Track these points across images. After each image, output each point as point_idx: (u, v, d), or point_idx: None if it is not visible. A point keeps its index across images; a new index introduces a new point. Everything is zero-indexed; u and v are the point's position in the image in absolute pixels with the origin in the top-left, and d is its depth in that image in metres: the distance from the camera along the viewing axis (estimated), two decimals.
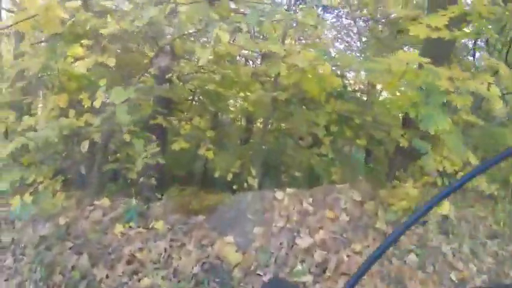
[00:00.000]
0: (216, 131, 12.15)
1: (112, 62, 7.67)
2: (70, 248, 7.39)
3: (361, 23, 14.85)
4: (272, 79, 9.79)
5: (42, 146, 8.80)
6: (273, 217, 7.39)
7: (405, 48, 13.27)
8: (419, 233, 7.61)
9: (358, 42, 15.62)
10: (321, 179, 9.48)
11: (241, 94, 11.77)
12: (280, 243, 6.99)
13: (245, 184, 8.70)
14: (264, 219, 7.42)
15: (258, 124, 14.12)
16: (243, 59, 13.77)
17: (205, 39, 12.57)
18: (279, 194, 7.74)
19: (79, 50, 8.02)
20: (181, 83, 12.03)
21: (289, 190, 7.92)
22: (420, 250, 7.25)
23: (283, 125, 12.05)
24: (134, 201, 8.37)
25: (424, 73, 6.55)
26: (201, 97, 12.88)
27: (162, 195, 10.93)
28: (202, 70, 12.10)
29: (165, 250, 6.99)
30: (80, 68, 7.46)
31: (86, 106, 8.38)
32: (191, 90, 12.87)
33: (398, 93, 8.31)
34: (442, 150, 8.02)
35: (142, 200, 8.84)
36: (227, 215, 7.67)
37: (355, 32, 15.24)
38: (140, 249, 7.02)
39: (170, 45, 10.95)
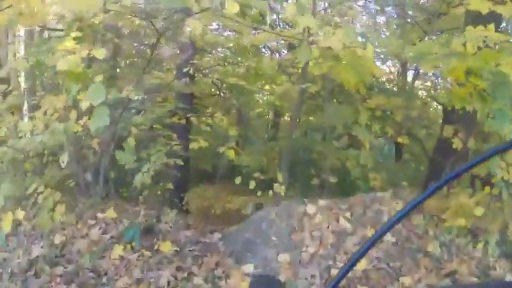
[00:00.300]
0: (240, 127, 10.40)
1: (100, 54, 5.67)
2: (61, 276, 5.52)
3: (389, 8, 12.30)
4: (300, 71, 7.75)
5: (38, 152, 6.99)
6: (303, 239, 5.39)
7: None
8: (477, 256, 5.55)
9: (384, 28, 13.10)
10: (357, 185, 7.39)
11: (267, 87, 9.71)
12: (312, 276, 4.99)
13: (270, 191, 6.64)
14: (291, 242, 5.43)
15: (287, 118, 12.11)
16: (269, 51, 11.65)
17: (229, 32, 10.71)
18: (310, 208, 5.74)
19: (69, 44, 6.07)
20: (202, 77, 10.08)
21: (322, 202, 5.88)
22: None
23: (313, 121, 9.99)
24: (141, 213, 6.48)
25: (501, 55, 4.39)
26: (224, 92, 10.90)
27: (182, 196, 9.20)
28: (224, 63, 10.25)
29: (168, 283, 5.04)
30: (62, 65, 5.52)
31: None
32: (215, 85, 10.98)
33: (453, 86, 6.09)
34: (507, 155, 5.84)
35: (154, 207, 7.00)
36: (247, 235, 5.70)
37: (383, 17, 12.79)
38: (138, 281, 5.11)
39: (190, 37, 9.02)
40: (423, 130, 8.57)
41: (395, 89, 11.64)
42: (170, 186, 7.68)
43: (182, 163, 8.50)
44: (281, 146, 8.69)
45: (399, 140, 7.33)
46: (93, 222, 6.47)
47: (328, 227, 5.55)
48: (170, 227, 6.27)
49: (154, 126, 9.32)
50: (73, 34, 6.18)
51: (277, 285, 1.48)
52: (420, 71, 13.09)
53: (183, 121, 9.01)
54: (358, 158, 6.90)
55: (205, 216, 8.31)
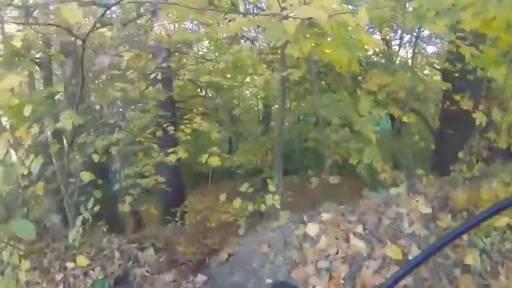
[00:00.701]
0: (230, 124, 8.65)
1: (14, 80, 3.89)
2: None
3: None
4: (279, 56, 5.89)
5: None
6: (307, 276, 3.63)
7: None
8: None
9: None
10: (363, 179, 5.54)
11: (248, 80, 7.84)
12: None
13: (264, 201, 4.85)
14: (288, 276, 3.62)
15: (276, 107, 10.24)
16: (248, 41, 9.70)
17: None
18: (311, 228, 3.95)
19: None
20: (179, 79, 8.24)
21: (325, 216, 4.06)
22: None
23: (304, 107, 8.14)
24: (116, 255, 4.71)
25: None
26: (206, 91, 9.08)
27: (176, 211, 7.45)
28: (202, 61, 8.41)
29: None
30: None
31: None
32: (196, 85, 9.15)
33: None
34: None
35: (137, 239, 5.28)
36: (235, 278, 3.93)
37: None
38: None
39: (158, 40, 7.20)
40: (423, 103, 6.69)
41: (382, 61, 9.64)
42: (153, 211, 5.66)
43: (167, 180, 6.82)
44: (273, 141, 6.85)
45: (405, 118, 5.45)
46: (60, 276, 4.75)
47: (337, 252, 3.74)
48: (147, 271, 4.49)
49: (137, 140, 7.62)
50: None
51: None
52: (404, 37, 11.14)
53: (167, 130, 7.23)
54: (362, 151, 5.02)
55: (199, 232, 6.58)
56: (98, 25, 5.51)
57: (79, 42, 6.90)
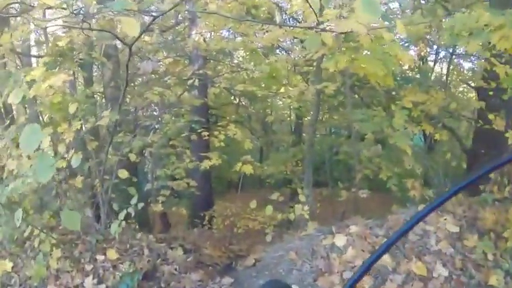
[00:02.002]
0: (262, 134, 8.77)
1: (59, 80, 4.12)
2: None
3: None
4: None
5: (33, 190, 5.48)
6: (332, 285, 3.70)
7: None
8: None
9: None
10: (392, 195, 5.57)
11: (282, 90, 7.96)
12: None
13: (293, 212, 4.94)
14: (313, 284, 3.70)
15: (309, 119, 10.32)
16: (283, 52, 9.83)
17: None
18: (339, 239, 4.01)
19: (38, 72, 4.52)
20: (214, 87, 8.43)
21: (353, 229, 4.11)
22: None
23: (336, 119, 8.20)
24: (145, 253, 4.87)
25: None
26: (240, 99, 9.24)
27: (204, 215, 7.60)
28: (238, 69, 8.59)
29: None
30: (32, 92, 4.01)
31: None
32: (230, 93, 9.32)
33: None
34: None
35: (166, 239, 5.45)
36: (262, 282, 3.94)
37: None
38: None
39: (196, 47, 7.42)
40: (456, 120, 6.67)
41: (417, 76, 9.60)
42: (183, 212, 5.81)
43: (197, 184, 7.00)
44: (304, 153, 6.93)
45: (437, 136, 5.45)
46: (90, 267, 4.91)
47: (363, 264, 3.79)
48: (176, 269, 4.62)
49: (170, 143, 7.84)
50: (42, 60, 4.59)
51: None
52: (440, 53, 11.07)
53: (201, 135, 7.41)
54: (393, 166, 5.05)
55: (226, 237, 6.71)
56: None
57: (119, 46, 7.23)
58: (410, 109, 4.80)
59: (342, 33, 3.55)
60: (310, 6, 4.42)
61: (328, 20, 3.96)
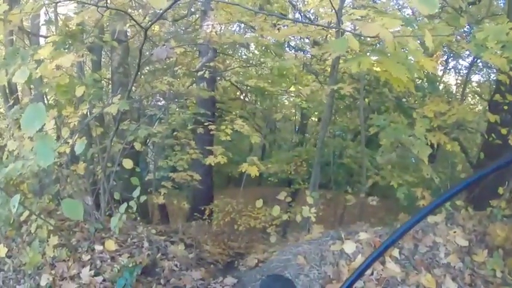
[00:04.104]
0: (266, 131, 8.60)
1: (67, 61, 3.92)
2: None
3: None
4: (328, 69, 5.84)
5: (33, 173, 5.31)
6: (338, 286, 3.49)
7: None
8: None
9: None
10: (399, 203, 5.41)
11: (292, 88, 7.80)
12: None
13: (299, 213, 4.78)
14: None
15: (314, 119, 10.16)
16: (293, 50, 9.66)
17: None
18: (348, 246, 3.85)
19: (45, 52, 4.31)
20: (223, 80, 8.25)
21: (363, 236, 3.97)
22: None
23: (341, 122, 8.04)
24: (145, 245, 4.72)
25: None
26: (248, 95, 9.08)
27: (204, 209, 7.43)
28: (247, 64, 8.40)
29: None
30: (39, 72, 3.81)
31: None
32: (238, 88, 9.14)
33: None
34: None
35: (165, 231, 5.30)
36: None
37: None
38: None
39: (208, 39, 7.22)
40: (463, 132, 6.54)
41: (425, 84, 9.41)
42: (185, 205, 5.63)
43: (200, 177, 6.83)
44: (308, 153, 6.76)
45: (449, 147, 5.29)
46: (87, 257, 4.72)
47: (372, 273, 3.65)
48: (176, 266, 4.46)
49: (175, 134, 7.66)
50: (51, 39, 4.41)
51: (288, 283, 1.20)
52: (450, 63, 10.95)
53: (206, 129, 7.23)
54: (404, 174, 4.89)
55: (225, 234, 6.55)
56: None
57: (129, 33, 7.06)
58: (431, 118, 4.65)
59: (369, 37, 3.38)
60: (332, 6, 4.25)
61: (352, 21, 3.80)
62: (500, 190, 5.44)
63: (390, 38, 2.94)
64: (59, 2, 3.85)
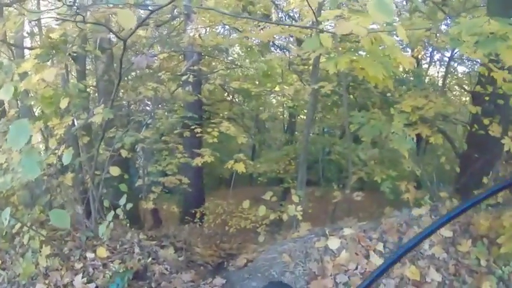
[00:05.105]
0: (255, 131, 8.70)
1: (49, 74, 4.00)
2: None
3: None
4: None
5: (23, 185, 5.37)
6: (323, 282, 3.60)
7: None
8: None
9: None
10: (385, 197, 5.52)
11: (277, 88, 7.90)
12: None
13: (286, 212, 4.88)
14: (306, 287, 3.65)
15: (302, 117, 10.24)
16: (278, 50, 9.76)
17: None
18: (333, 242, 3.98)
19: (29, 65, 4.39)
20: (208, 83, 8.34)
21: (347, 232, 4.07)
22: None
23: (329, 119, 8.15)
24: (136, 250, 4.81)
25: None
26: (234, 96, 9.17)
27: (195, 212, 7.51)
28: (232, 66, 8.50)
29: None
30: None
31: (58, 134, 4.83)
32: (224, 90, 9.24)
33: None
34: None
35: (157, 235, 5.39)
36: (254, 284, 3.90)
37: None
38: None
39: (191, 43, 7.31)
40: (450, 124, 6.66)
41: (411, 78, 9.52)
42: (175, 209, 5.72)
43: (190, 181, 6.92)
44: (297, 151, 6.86)
45: (432, 139, 5.41)
46: (80, 265, 4.81)
47: (356, 267, 3.76)
48: (167, 269, 4.54)
49: (162, 139, 7.74)
50: (34, 52, 4.48)
51: None
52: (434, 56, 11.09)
53: (193, 132, 7.33)
54: (387, 169, 5.01)
55: (217, 235, 6.64)
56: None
57: (113, 40, 7.11)
58: (409, 113, 4.76)
59: (343, 34, 3.49)
60: (309, 6, 4.36)
61: (328, 20, 3.90)
62: (485, 180, 5.57)
63: (364, 34, 3.04)
64: (39, 18, 3.92)
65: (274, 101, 10.59)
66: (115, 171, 4.83)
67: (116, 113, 6.28)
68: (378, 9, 1.93)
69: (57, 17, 4.54)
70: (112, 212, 4.43)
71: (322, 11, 5.38)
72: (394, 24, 3.49)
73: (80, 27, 4.25)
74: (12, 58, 6.19)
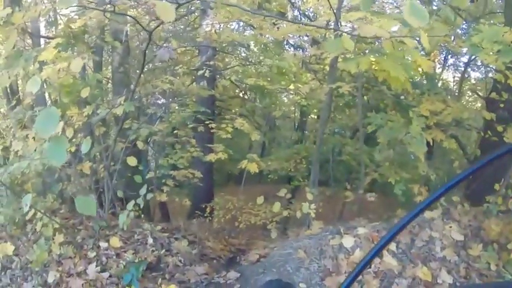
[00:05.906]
0: (266, 129, 8.78)
1: (77, 66, 4.07)
2: None
3: None
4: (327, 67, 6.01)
5: (38, 173, 5.47)
6: (337, 279, 3.68)
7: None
8: None
9: None
10: (397, 199, 5.59)
11: (291, 86, 7.96)
12: None
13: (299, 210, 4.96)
14: (321, 283, 3.73)
15: (313, 117, 10.32)
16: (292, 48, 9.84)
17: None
18: (347, 241, 4.05)
19: (49, 54, 4.46)
20: (222, 79, 8.42)
21: (361, 231, 4.15)
22: None
23: (341, 120, 8.21)
24: (149, 241, 4.88)
25: None
26: (247, 93, 9.23)
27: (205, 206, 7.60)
28: (246, 63, 8.57)
29: None
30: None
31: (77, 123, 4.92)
32: (237, 86, 9.31)
33: None
34: None
35: (167, 229, 5.46)
36: (269, 279, 3.95)
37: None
38: None
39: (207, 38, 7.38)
40: (461, 129, 6.72)
41: (424, 82, 9.56)
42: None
43: (201, 175, 7.00)
44: (308, 150, 6.93)
45: (445, 144, 5.46)
46: (93, 254, 4.90)
47: (370, 266, 3.83)
48: (180, 261, 4.63)
49: (175, 132, 7.82)
50: (54, 41, 4.55)
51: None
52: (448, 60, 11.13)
53: (206, 127, 7.41)
54: (401, 171, 5.07)
55: (226, 231, 6.71)
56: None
57: (129, 33, 7.22)
58: (427, 117, 4.82)
59: (365, 37, 3.56)
60: (330, 6, 4.42)
61: (350, 22, 3.96)
62: (497, 186, 5.62)
63: (387, 37, 3.11)
64: (70, 6, 4.01)
65: (285, 99, 10.67)
66: (132, 161, 4.92)
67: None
68: (413, 13, 2.00)
69: (88, 6, 4.62)
70: (132, 202, 4.51)
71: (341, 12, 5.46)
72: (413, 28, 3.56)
73: (106, 16, 4.33)
74: (29, 47, 6.28)
